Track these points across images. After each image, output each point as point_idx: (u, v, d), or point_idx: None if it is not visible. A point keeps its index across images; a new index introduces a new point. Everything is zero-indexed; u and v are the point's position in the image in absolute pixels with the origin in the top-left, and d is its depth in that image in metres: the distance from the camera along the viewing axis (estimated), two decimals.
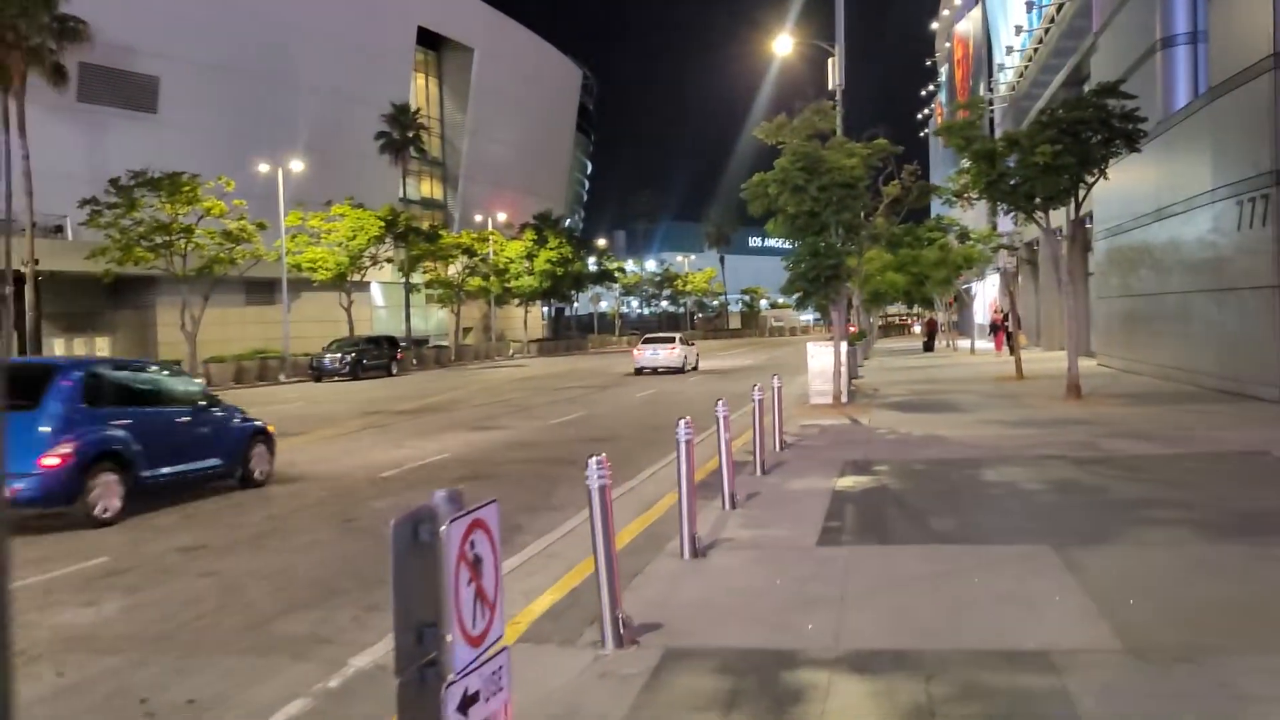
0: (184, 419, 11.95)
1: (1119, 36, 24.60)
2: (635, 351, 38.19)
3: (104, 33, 43.39)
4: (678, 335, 40.63)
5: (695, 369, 38.26)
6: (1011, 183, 16.27)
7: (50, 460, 9.82)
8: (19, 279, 40.26)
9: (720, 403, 9.81)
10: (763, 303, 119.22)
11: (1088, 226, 25.75)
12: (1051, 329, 34.50)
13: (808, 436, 14.95)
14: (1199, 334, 19.17)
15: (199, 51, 49.07)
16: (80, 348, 48.47)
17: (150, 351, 45.46)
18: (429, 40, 69.04)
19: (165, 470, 11.28)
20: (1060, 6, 27.56)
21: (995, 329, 34.66)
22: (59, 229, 41.67)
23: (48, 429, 9.97)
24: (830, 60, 23.72)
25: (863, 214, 18.48)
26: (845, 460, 12.29)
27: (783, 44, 25.92)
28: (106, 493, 10.34)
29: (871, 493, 10.19)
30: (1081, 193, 16.58)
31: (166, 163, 37.77)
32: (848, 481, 10.81)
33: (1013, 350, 27.48)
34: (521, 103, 76.19)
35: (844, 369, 19.20)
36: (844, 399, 19.05)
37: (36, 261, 32.75)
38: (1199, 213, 18.48)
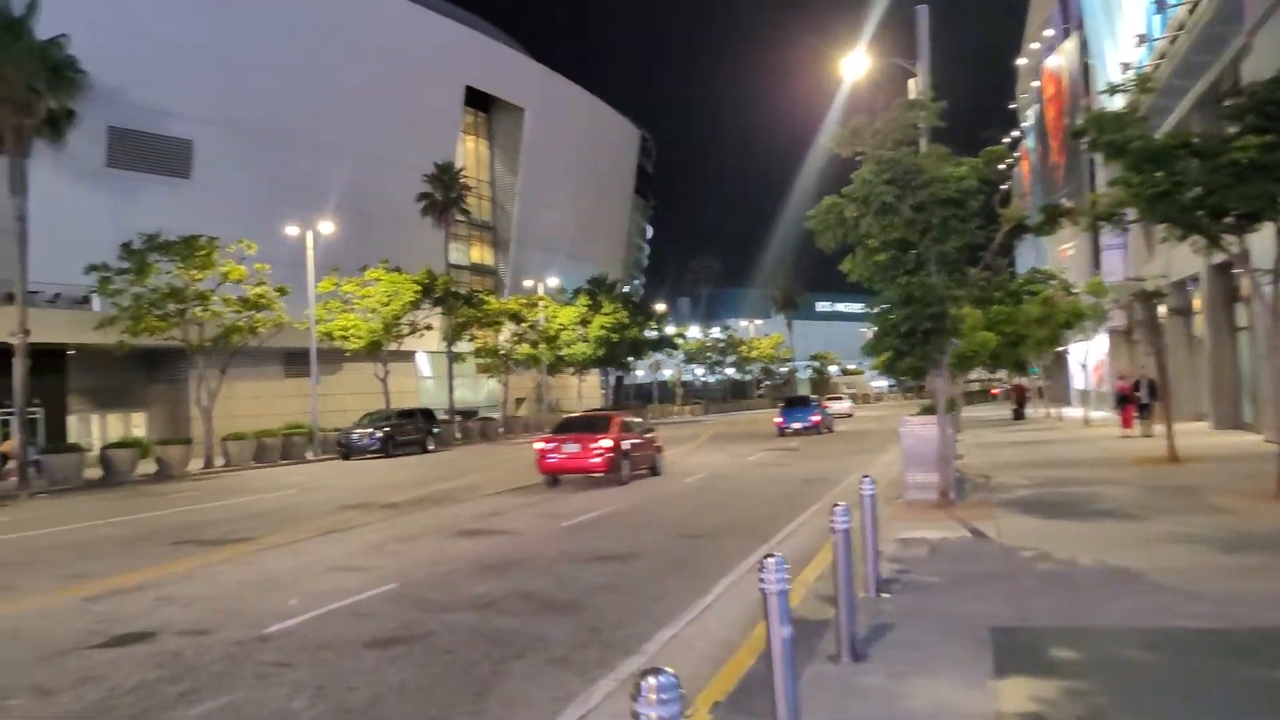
0: None
1: None
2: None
3: (136, 95, 41.24)
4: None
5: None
6: (1191, 195, 11.45)
7: None
8: (52, 353, 37.52)
9: (774, 562, 5.11)
10: (832, 369, 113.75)
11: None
12: (1181, 394, 29.02)
13: (913, 563, 10.18)
14: None
15: (234, 114, 46.65)
16: (115, 424, 45.65)
17: (180, 428, 42.41)
18: (479, 101, 66.44)
19: None
20: (1194, 6, 22.76)
21: (1124, 400, 29.23)
22: (85, 299, 38.82)
23: None
24: (911, 81, 19.42)
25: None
26: (987, 624, 7.52)
27: (854, 65, 21.68)
28: None
29: None
30: None
31: (198, 228, 34.86)
32: (1015, 694, 6.02)
33: (1147, 423, 22.36)
34: (575, 164, 73.10)
35: (951, 454, 14.42)
36: (951, 493, 14.21)
37: (27, 333, 29.55)
38: None
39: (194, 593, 11.00)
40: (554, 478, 22.09)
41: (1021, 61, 58.48)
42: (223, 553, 14.07)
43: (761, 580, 5.04)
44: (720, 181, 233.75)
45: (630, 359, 70.97)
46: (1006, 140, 57.42)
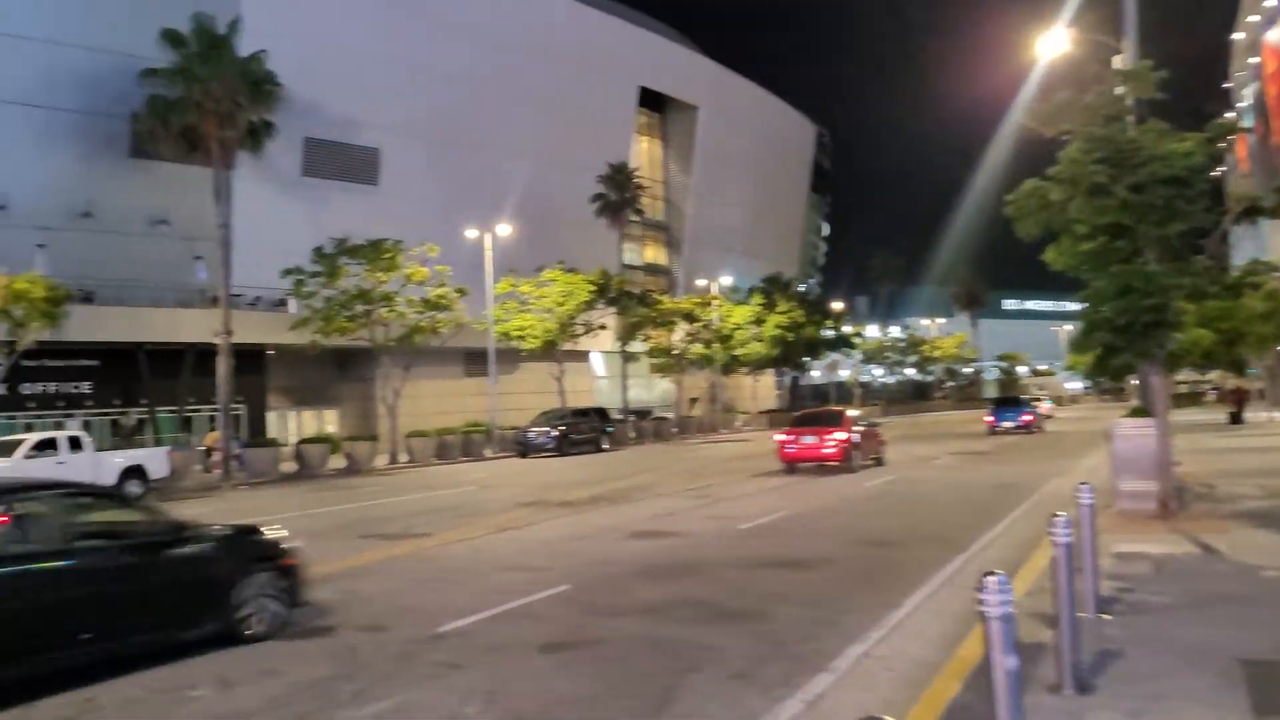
0: None
1: None
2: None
3: (329, 107, 43.22)
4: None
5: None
6: None
7: None
8: (252, 353, 39.88)
9: (996, 581, 4.40)
10: (1021, 369, 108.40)
11: None
12: None
13: (1136, 580, 9.09)
14: None
15: (417, 122, 48.26)
16: (309, 421, 48.09)
17: (368, 425, 44.21)
18: (652, 101, 66.55)
19: None
20: None
21: None
22: (282, 302, 41.01)
23: None
24: (1116, 58, 17.83)
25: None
26: (1233, 654, 6.51)
27: (1051, 43, 20.14)
28: None
29: None
30: None
31: (384, 233, 36.14)
32: None
33: None
34: (750, 162, 72.25)
35: (1169, 460, 13.03)
36: (1172, 503, 12.83)
37: (230, 333, 31.37)
38: None
39: (374, 587, 11.04)
40: (792, 465, 24.54)
41: (1238, 36, 53.81)
42: (404, 546, 14.22)
43: (980, 601, 4.37)
44: (900, 176, 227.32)
45: (806, 359, 69.54)
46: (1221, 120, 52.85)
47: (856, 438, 24.25)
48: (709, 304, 56.14)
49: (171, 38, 30.22)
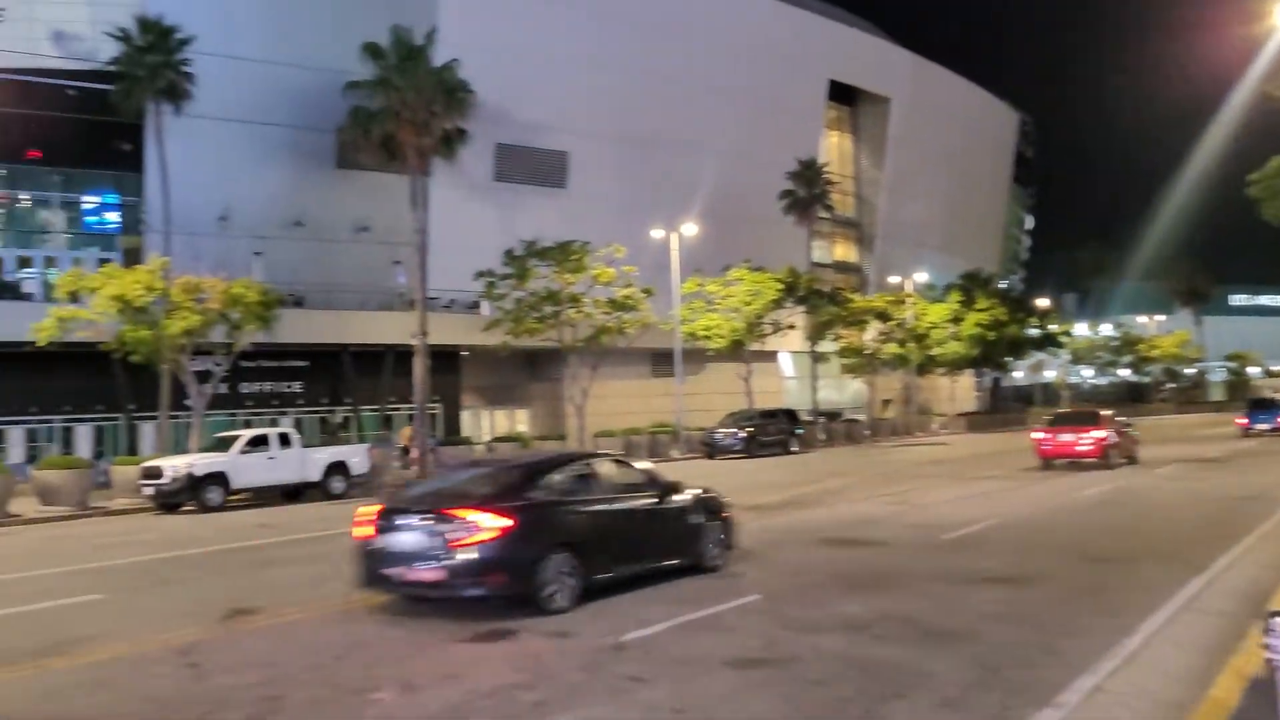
0: None
1: None
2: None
3: (519, 113, 44.20)
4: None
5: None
6: None
7: None
8: (447, 354, 41.43)
9: None
10: (1253, 370, 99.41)
11: None
12: None
13: None
14: None
15: (605, 123, 48.67)
16: (501, 420, 49.39)
17: (558, 425, 45.02)
18: (842, 94, 64.85)
19: None
20: None
21: None
22: (475, 305, 42.25)
23: None
24: None
25: None
26: None
27: None
28: None
29: None
30: None
31: (572, 234, 36.75)
32: None
33: None
34: (946, 153, 69.23)
35: None
36: None
37: (425, 335, 32.40)
38: None
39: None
40: (1048, 462, 25.63)
41: None
42: None
43: (1267, 646, 3.49)
44: (1110, 164, 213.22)
45: (1008, 359, 66.21)
46: None
47: (1114, 437, 25.23)
48: (903, 302, 54.18)
49: (372, 50, 31.47)
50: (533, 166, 47.47)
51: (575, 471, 10.59)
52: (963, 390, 69.34)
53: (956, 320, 56.82)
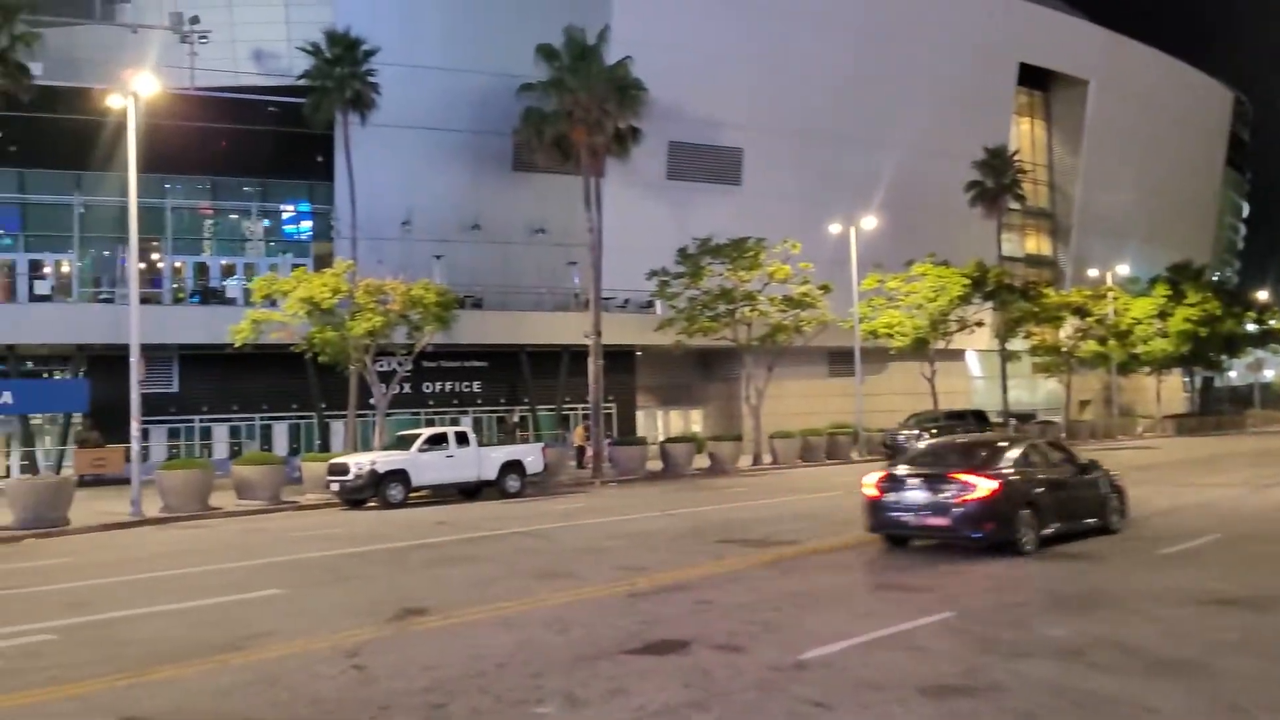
0: None
1: None
2: None
3: (692, 110, 43.81)
4: None
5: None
6: None
7: None
8: (622, 354, 41.65)
9: None
10: None
11: None
12: None
13: None
14: None
15: (779, 118, 47.60)
16: (675, 420, 49.19)
17: (731, 425, 44.43)
18: (1034, 78, 61.32)
19: None
20: None
21: None
22: (649, 304, 42.14)
23: None
24: None
25: None
26: None
27: None
28: None
29: None
30: None
31: (746, 231, 36.03)
32: None
33: None
34: (1150, 138, 64.37)
35: None
36: None
37: (599, 334, 32.39)
38: None
39: (733, 599, 10.07)
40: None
41: None
42: (765, 555, 13.24)
43: None
44: None
45: (1222, 357, 61.13)
46: None
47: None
48: (1104, 296, 50.69)
49: (545, 52, 31.70)
50: (706, 164, 46.93)
51: (1027, 450, 13.28)
52: (1170, 391, 64.41)
53: (1163, 315, 52.90)
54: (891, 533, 12.87)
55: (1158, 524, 15.03)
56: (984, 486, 11.81)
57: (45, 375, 35.98)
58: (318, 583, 12.23)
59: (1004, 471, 12.29)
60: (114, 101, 21.99)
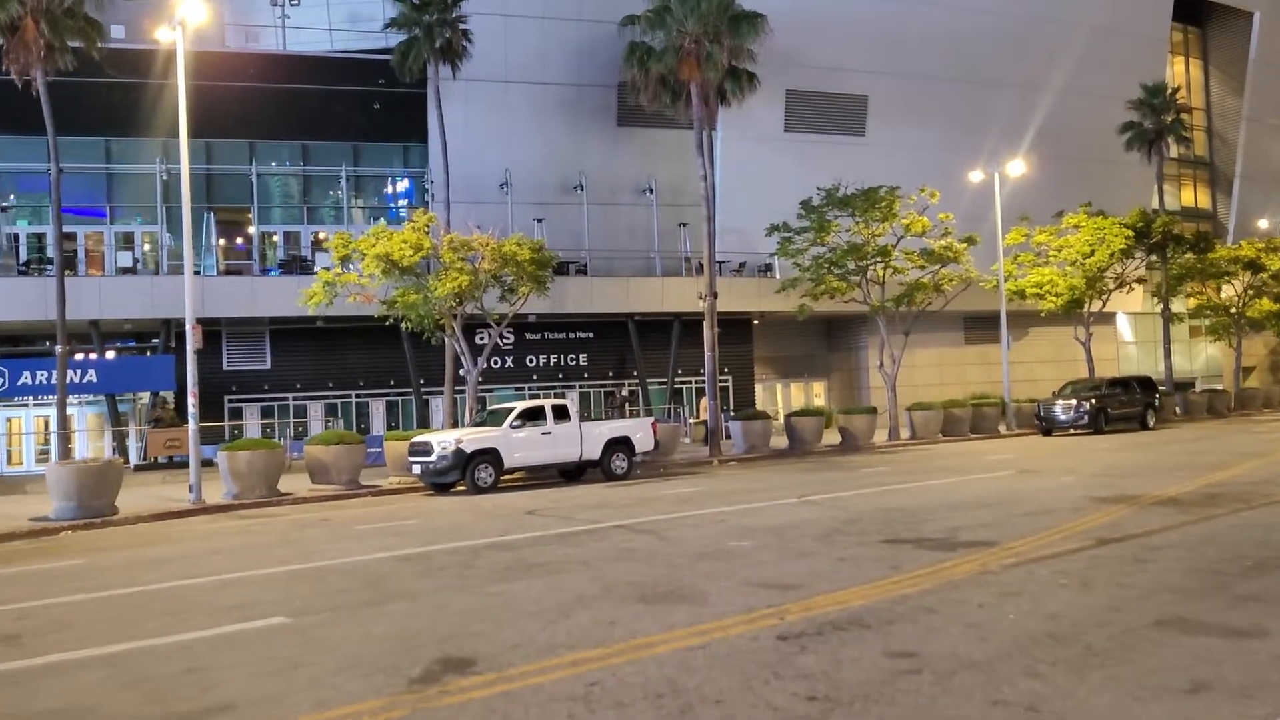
0: None
1: None
2: None
3: (810, 56, 39.89)
4: None
5: None
6: None
7: None
8: (739, 322, 38.35)
9: None
10: None
11: None
12: None
13: None
14: None
15: (908, 62, 43.09)
16: (796, 393, 45.60)
17: (857, 398, 40.81)
18: (1188, 13, 55.07)
19: None
20: None
21: None
22: (767, 268, 38.57)
23: None
24: None
25: None
26: None
27: None
28: None
29: None
30: None
31: (870, 184, 32.27)
32: None
33: None
34: None
35: None
36: None
37: (715, 295, 29.06)
38: None
39: (945, 647, 6.47)
40: None
41: None
42: (962, 563, 9.54)
43: None
44: None
45: None
46: None
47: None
48: (1278, 249, 44.91)
49: None
50: (828, 113, 42.79)
51: None
52: None
53: None
54: None
55: None
56: None
57: (133, 352, 34.45)
58: (344, 605, 8.91)
59: None
60: (162, 34, 19.58)
